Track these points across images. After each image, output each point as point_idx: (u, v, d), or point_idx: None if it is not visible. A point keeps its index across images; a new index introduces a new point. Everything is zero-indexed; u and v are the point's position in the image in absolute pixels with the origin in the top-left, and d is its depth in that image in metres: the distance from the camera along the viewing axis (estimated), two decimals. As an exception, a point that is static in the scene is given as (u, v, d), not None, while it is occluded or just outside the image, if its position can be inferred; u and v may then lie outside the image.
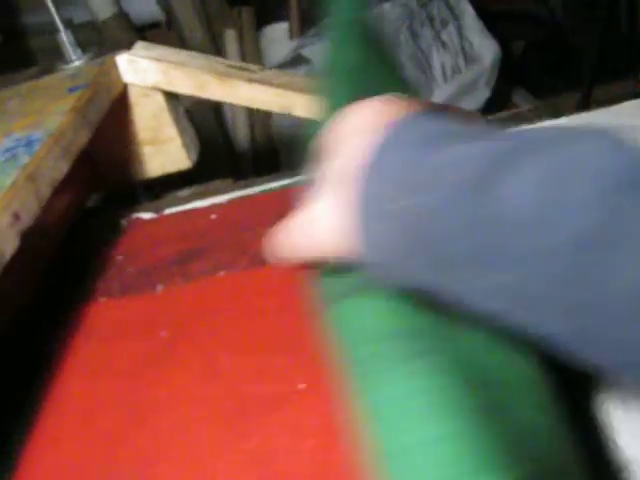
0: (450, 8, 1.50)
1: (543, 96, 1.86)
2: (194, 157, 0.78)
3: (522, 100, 1.86)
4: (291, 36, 1.78)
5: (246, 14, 1.91)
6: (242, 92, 0.72)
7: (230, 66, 0.74)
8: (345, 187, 0.32)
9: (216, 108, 1.79)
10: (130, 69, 0.72)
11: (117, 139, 0.75)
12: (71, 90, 0.67)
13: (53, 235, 0.68)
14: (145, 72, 0.72)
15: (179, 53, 0.75)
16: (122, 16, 1.76)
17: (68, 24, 1.83)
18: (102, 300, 0.63)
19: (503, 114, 0.82)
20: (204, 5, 1.86)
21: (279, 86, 0.72)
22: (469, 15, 1.52)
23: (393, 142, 0.32)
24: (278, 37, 1.81)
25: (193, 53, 0.75)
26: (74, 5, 1.82)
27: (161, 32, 1.84)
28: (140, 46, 0.73)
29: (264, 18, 1.92)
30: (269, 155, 1.81)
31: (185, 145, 0.76)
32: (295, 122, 1.66)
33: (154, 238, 0.69)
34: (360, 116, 0.35)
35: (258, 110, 1.88)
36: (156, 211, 0.73)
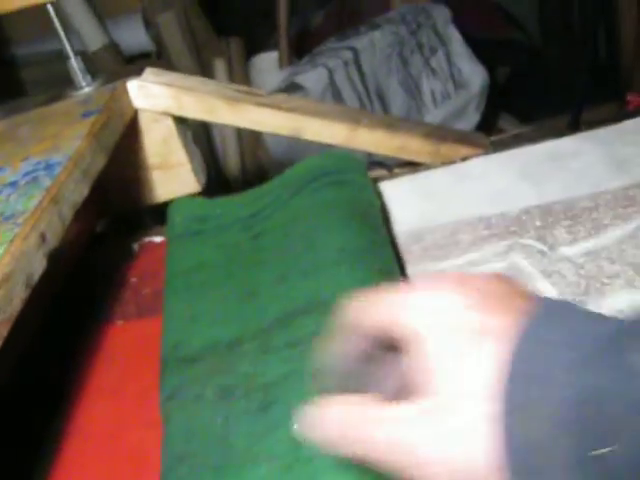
0: (438, 35, 1.53)
1: (528, 121, 1.89)
2: (203, 181, 0.78)
3: (508, 125, 1.88)
4: (281, 65, 1.80)
5: (235, 44, 1.93)
6: (252, 116, 0.73)
7: (239, 91, 0.75)
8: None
9: (207, 138, 1.80)
10: (141, 94, 0.72)
11: (127, 164, 0.76)
12: (85, 115, 0.67)
13: (67, 259, 0.68)
14: (156, 97, 0.72)
15: (188, 78, 0.75)
16: (112, 47, 1.77)
17: (58, 55, 1.84)
18: (119, 323, 0.63)
19: (504, 136, 0.83)
20: (193, 35, 1.88)
21: (288, 110, 0.73)
22: (457, 42, 1.55)
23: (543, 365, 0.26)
24: (267, 67, 1.83)
25: (202, 78, 0.76)
26: (66, 36, 1.83)
27: (151, 62, 1.85)
28: (150, 72, 0.74)
29: (252, 48, 1.94)
30: (259, 182, 1.82)
31: (194, 169, 0.77)
32: (284, 150, 1.67)
33: (167, 261, 0.69)
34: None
35: (248, 139, 1.88)
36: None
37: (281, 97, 0.76)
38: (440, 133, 0.78)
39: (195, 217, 0.66)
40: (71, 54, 0.74)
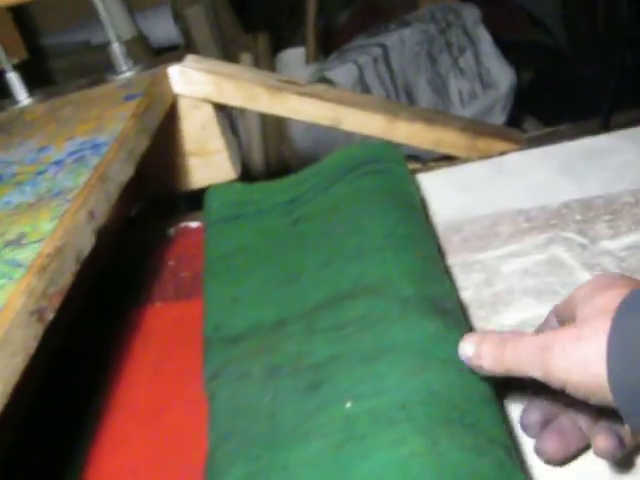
0: (468, 35, 1.53)
1: (553, 124, 1.88)
2: (239, 169, 0.79)
3: (533, 128, 1.88)
4: (307, 61, 1.80)
5: (261, 39, 1.94)
6: (292, 105, 0.73)
7: (279, 80, 0.75)
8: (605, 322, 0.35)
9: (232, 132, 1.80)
10: (181, 80, 0.73)
11: (164, 150, 0.76)
12: (127, 98, 0.68)
13: (105, 241, 0.69)
14: (196, 83, 0.73)
15: (229, 66, 0.76)
16: (141, 39, 1.78)
17: (86, 45, 1.85)
18: (158, 304, 0.63)
19: (538, 132, 0.83)
20: (220, 29, 1.88)
21: (328, 100, 0.73)
22: (486, 42, 1.55)
23: None
24: (294, 62, 1.83)
25: (241, 67, 0.76)
26: (92, 28, 1.85)
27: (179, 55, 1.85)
28: (191, 58, 0.75)
29: (279, 43, 1.94)
30: (282, 177, 1.82)
31: (231, 157, 0.77)
32: (309, 146, 1.67)
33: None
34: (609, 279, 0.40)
35: (271, 134, 1.89)
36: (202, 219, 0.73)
37: (321, 87, 0.76)
38: (477, 127, 0.78)
39: (233, 202, 0.67)
40: (114, 39, 0.75)
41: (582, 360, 0.35)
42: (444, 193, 0.69)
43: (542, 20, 2.23)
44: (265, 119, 1.76)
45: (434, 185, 0.70)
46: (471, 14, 1.55)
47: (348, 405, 0.40)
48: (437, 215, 0.65)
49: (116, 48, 0.74)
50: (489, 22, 1.71)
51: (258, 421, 0.43)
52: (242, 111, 1.74)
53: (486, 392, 0.41)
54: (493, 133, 0.78)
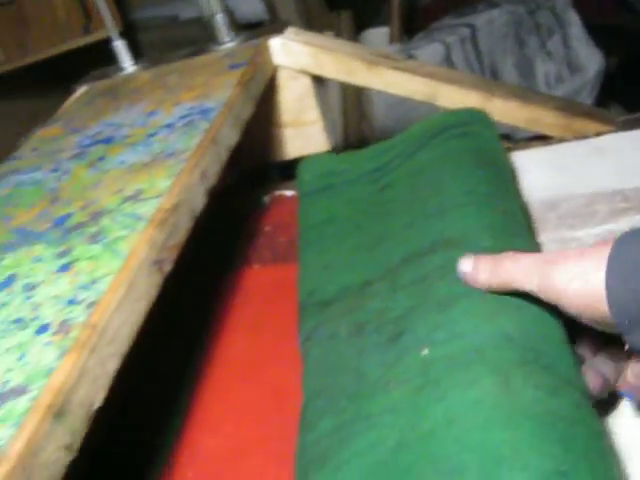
0: (557, 17, 1.50)
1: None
2: (333, 141, 0.80)
3: (617, 115, 1.83)
4: (391, 40, 1.80)
5: (345, 17, 1.94)
6: (388, 79, 0.74)
7: (377, 54, 0.76)
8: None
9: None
10: (282, 51, 0.75)
11: (261, 119, 0.78)
12: (232, 67, 0.70)
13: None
14: (296, 55, 0.75)
15: (327, 39, 0.77)
16: (227, 14, 1.81)
17: (174, 20, 1.89)
18: (256, 267, 0.65)
19: (632, 116, 0.82)
20: (305, 7, 1.90)
21: (424, 75, 0.74)
22: (575, 25, 1.52)
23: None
24: (377, 42, 1.83)
25: (339, 40, 0.78)
26: (181, 2, 1.89)
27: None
28: (291, 30, 0.76)
29: (362, 23, 1.95)
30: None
31: (326, 128, 0.79)
32: (389, 126, 1.67)
33: (298, 213, 0.71)
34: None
35: (351, 111, 1.89)
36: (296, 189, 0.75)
37: (416, 63, 0.77)
38: (571, 107, 0.78)
39: (323, 173, 0.68)
40: (217, 10, 0.77)
41: (582, 272, 0.36)
42: (539, 171, 0.69)
43: (633, 4, 2.17)
44: (345, 96, 1.78)
45: (528, 163, 0.71)
46: (561, -4, 1.52)
47: (425, 352, 0.41)
48: (532, 192, 0.65)
49: (220, 19, 0.77)
50: (578, 5, 1.67)
51: (345, 377, 0.45)
52: (322, 87, 1.76)
53: (561, 336, 0.41)
54: (587, 113, 0.77)
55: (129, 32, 1.86)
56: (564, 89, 1.51)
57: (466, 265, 0.44)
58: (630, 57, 2.16)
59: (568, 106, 0.79)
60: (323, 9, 1.94)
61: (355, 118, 1.84)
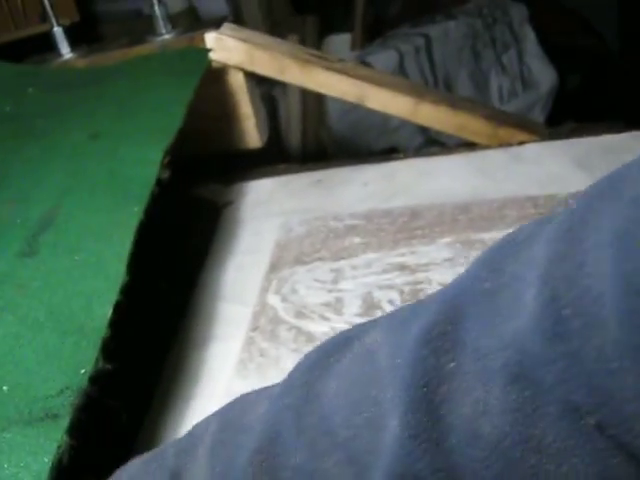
0: (513, 32, 1.53)
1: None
2: (264, 139, 0.81)
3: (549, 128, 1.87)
4: (352, 47, 1.82)
5: (310, 22, 1.96)
6: (320, 79, 0.75)
7: (311, 54, 0.77)
8: None
9: (272, 114, 1.83)
10: (217, 46, 0.75)
11: (193, 113, 0.79)
12: (163, 58, 0.71)
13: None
14: (230, 51, 0.75)
15: (263, 37, 0.78)
16: (191, 11, 1.82)
17: (138, 14, 1.89)
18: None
19: (563, 127, 0.84)
20: (271, 9, 1.91)
21: (355, 77, 0.75)
22: (530, 41, 1.55)
23: None
24: (339, 48, 1.85)
25: (277, 39, 0.79)
26: (145, -2, 1.89)
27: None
28: (227, 26, 0.77)
29: (327, 28, 1.96)
30: (318, 158, 1.85)
31: (258, 126, 0.80)
32: (345, 132, 1.68)
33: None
34: None
35: (311, 117, 1.90)
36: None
37: (350, 65, 0.78)
38: (501, 116, 0.79)
39: None
40: (156, 1, 0.78)
41: None
42: (457, 175, 0.70)
43: (594, 25, 2.21)
44: (306, 102, 1.79)
45: (451, 167, 0.72)
46: (518, 12, 1.55)
47: None
48: (447, 195, 0.67)
49: (156, 10, 0.77)
50: (538, 23, 1.70)
51: None
52: (284, 92, 1.77)
53: None
54: (516, 123, 0.79)
55: (91, 24, 1.86)
56: (517, 104, 1.54)
57: None
58: (591, 77, 2.21)
59: (498, 115, 0.81)
60: (289, 13, 1.95)
61: (314, 124, 1.85)
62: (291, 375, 0.29)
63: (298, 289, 0.59)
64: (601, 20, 2.22)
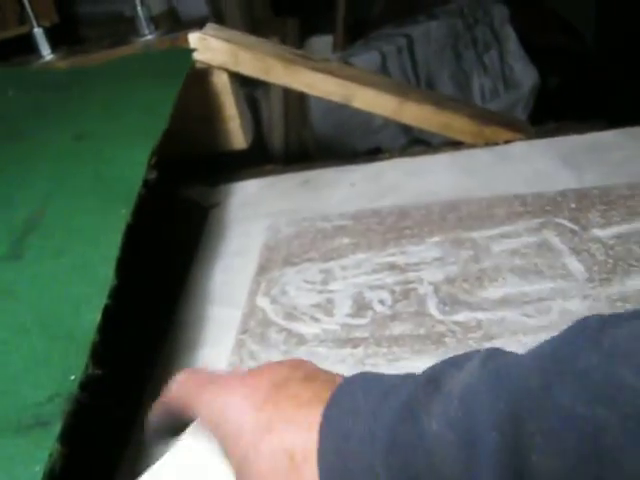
0: (495, 33, 1.54)
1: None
2: (249, 140, 0.80)
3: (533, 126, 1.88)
4: (334, 49, 1.81)
5: (291, 24, 1.95)
6: (305, 79, 0.75)
7: (295, 54, 0.77)
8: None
9: (255, 115, 1.82)
10: (200, 46, 0.75)
11: (178, 114, 0.78)
12: (146, 59, 0.70)
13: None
14: (214, 51, 0.75)
15: (248, 37, 0.78)
16: (172, 13, 1.81)
17: (120, 16, 1.88)
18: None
19: (548, 126, 0.84)
20: (251, 10, 1.91)
21: (340, 77, 0.75)
22: (512, 41, 1.56)
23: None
24: (320, 49, 1.85)
25: (261, 39, 0.78)
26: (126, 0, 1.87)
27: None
28: (211, 27, 0.77)
29: (309, 30, 1.96)
30: (301, 159, 1.84)
31: (243, 126, 0.79)
32: (327, 132, 1.68)
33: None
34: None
35: (294, 119, 1.90)
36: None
37: (335, 65, 0.78)
38: (486, 115, 0.79)
39: None
40: (138, 2, 0.77)
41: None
42: (445, 175, 0.70)
43: (574, 25, 2.23)
44: (288, 102, 1.78)
45: (436, 166, 0.72)
46: (500, 13, 1.56)
47: None
48: (436, 194, 0.67)
49: (139, 11, 0.76)
50: (518, 23, 1.71)
51: None
52: (266, 93, 1.76)
53: None
54: (502, 122, 0.79)
55: (72, 26, 1.84)
56: (499, 103, 1.54)
57: None
58: (571, 77, 2.22)
59: (483, 114, 0.80)
60: (269, 14, 1.95)
61: (296, 124, 1.84)
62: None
63: (288, 291, 0.58)
64: (580, 19, 2.24)
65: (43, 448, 0.31)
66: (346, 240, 0.63)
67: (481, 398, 0.26)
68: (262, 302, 0.57)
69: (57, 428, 0.32)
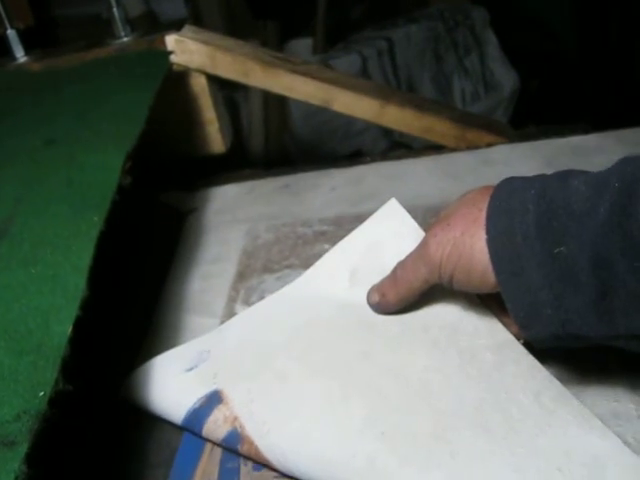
0: (475, 36, 1.53)
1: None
2: (228, 144, 0.79)
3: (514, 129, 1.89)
4: (314, 52, 1.81)
5: (271, 27, 1.94)
6: (284, 82, 0.74)
7: (275, 57, 0.75)
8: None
9: (234, 118, 1.81)
10: (177, 49, 0.73)
11: (155, 117, 0.77)
12: (121, 61, 0.68)
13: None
14: (192, 53, 0.73)
15: (226, 39, 0.76)
16: (151, 16, 1.79)
17: (97, 18, 1.86)
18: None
19: (530, 129, 0.83)
20: (231, 14, 1.89)
21: (321, 80, 0.74)
22: (492, 44, 1.55)
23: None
24: (301, 52, 1.84)
25: (239, 41, 0.77)
26: (103, 2, 1.85)
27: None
28: (189, 29, 0.75)
29: (289, 33, 1.95)
30: (281, 163, 1.83)
31: (221, 130, 0.78)
32: (307, 136, 1.67)
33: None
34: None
35: (274, 122, 1.89)
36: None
37: (315, 67, 0.77)
38: (468, 118, 0.78)
39: None
40: (113, 3, 0.75)
41: (451, 238, 0.39)
42: (427, 179, 0.69)
43: (553, 29, 2.23)
44: (268, 105, 1.77)
45: (418, 170, 0.71)
46: (480, 16, 1.56)
47: None
48: (417, 198, 0.66)
49: (115, 12, 0.75)
50: (498, 26, 1.71)
51: None
52: (246, 96, 1.75)
53: None
54: (484, 125, 0.78)
55: (48, 29, 1.82)
56: (480, 106, 1.54)
57: (373, 297, 0.45)
58: (550, 80, 2.23)
59: (464, 117, 0.80)
60: (248, 17, 1.93)
61: (277, 128, 1.83)
62: None
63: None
64: (559, 23, 2.24)
65: (8, 470, 0.29)
66: (327, 246, 0.61)
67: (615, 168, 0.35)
68: (241, 310, 0.56)
69: (24, 448, 0.30)
